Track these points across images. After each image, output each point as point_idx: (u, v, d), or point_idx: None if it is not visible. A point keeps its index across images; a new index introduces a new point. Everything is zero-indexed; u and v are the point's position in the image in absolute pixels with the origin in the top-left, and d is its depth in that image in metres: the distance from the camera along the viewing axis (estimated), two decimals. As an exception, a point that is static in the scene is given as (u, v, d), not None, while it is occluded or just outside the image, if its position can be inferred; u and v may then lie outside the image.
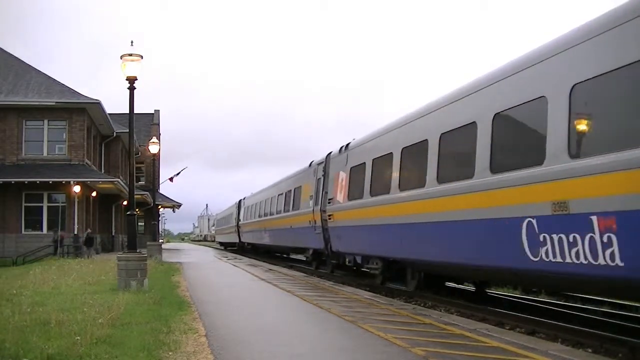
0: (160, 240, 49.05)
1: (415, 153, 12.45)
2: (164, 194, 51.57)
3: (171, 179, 50.21)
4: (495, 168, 9.30)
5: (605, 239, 6.94)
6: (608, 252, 6.90)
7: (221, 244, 63.82)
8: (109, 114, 35.53)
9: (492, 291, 15.42)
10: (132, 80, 13.91)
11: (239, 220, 42.28)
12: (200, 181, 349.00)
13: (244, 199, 41.20)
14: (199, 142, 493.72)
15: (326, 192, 18.52)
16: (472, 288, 14.44)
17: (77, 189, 30.52)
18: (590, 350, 7.88)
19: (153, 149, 29.47)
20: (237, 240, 43.71)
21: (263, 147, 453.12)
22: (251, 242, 38.43)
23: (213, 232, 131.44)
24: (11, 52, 37.20)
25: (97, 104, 33.15)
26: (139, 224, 45.36)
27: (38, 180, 29.89)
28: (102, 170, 38.53)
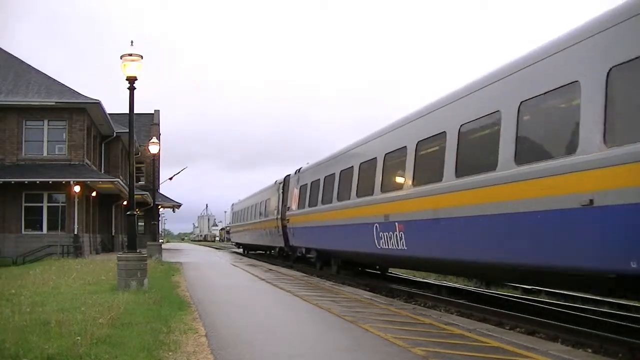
0: (160, 240, 49.05)
1: None
2: (164, 194, 51.57)
3: (171, 179, 50.26)
4: None
5: None
6: None
7: (240, 245, 46.72)
8: (109, 114, 35.54)
9: (492, 291, 15.41)
10: (132, 80, 13.95)
11: (285, 208, 26.16)
12: (203, 181, 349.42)
13: (299, 171, 24.29)
14: (207, 142, 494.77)
15: None
16: None
17: (77, 189, 30.52)
18: (590, 350, 7.89)
19: (153, 149, 29.44)
20: (282, 244, 27.03)
21: (271, 148, 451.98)
22: (332, 250, 19.26)
23: (214, 231, 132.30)
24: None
25: (97, 104, 33.14)
26: (139, 224, 45.36)
27: (38, 180, 29.87)
28: (102, 170, 38.52)
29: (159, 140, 39.97)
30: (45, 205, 32.00)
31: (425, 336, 7.58)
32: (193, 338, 7.46)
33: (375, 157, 14.73)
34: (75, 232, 31.09)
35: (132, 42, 13.91)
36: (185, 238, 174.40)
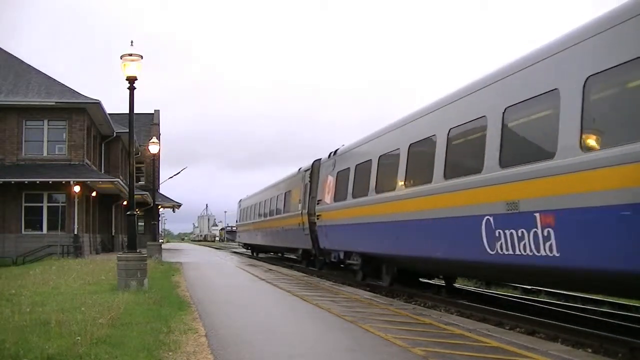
0: (160, 240, 49.04)
1: None
2: (164, 194, 51.60)
3: (171, 178, 50.30)
4: None
5: None
6: None
7: (249, 246, 41.86)
8: (109, 114, 35.57)
9: (492, 291, 15.42)
10: (132, 80, 13.98)
11: (313, 201, 21.10)
12: (203, 181, 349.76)
13: (335, 154, 19.24)
14: (207, 142, 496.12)
15: None
16: None
17: (77, 189, 30.53)
18: (590, 350, 7.89)
19: (153, 149, 29.44)
20: (308, 246, 21.96)
21: (272, 148, 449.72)
22: (389, 255, 14.73)
23: (214, 231, 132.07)
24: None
25: (97, 104, 33.15)
26: (139, 224, 45.35)
27: (38, 180, 29.88)
28: (102, 170, 38.53)
29: (159, 140, 39.98)
30: (45, 205, 32.00)
31: (425, 336, 7.58)
32: (193, 338, 7.46)
33: (484, 116, 10.11)
34: (75, 232, 31.08)
35: (132, 42, 13.95)
36: (185, 238, 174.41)
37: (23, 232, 31.33)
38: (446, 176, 11.19)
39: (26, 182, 29.98)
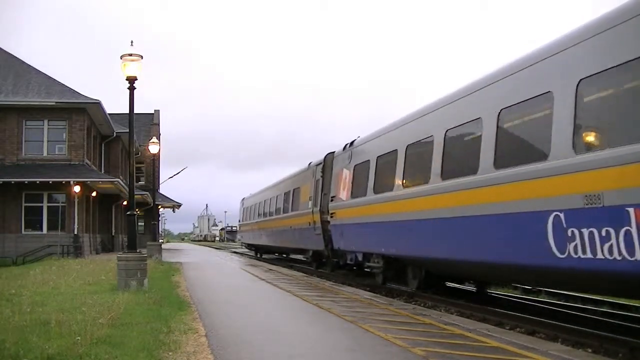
0: (160, 241, 49.03)
1: None
2: (164, 194, 51.60)
3: (171, 177, 50.30)
4: None
5: None
6: None
7: (252, 247, 40.10)
8: (109, 114, 35.58)
9: (492, 291, 15.42)
10: (132, 80, 13.99)
11: (326, 198, 19.72)
12: (203, 181, 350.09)
13: (351, 145, 17.67)
14: (207, 142, 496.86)
15: None
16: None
17: (77, 189, 30.53)
18: (590, 350, 7.90)
19: (153, 149, 29.43)
20: (320, 247, 20.43)
21: (272, 149, 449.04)
22: (418, 257, 13.27)
23: (214, 231, 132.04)
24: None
25: (97, 104, 33.16)
26: (139, 224, 45.34)
27: (38, 180, 29.90)
28: (102, 170, 38.54)
29: (159, 140, 39.96)
30: (45, 205, 32.01)
31: (425, 336, 7.58)
32: (193, 338, 7.46)
33: (549, 92, 8.56)
34: (75, 232, 31.09)
35: (132, 42, 13.95)
36: (185, 238, 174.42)
37: (23, 232, 31.34)
38: (497, 165, 9.61)
39: (26, 182, 29.98)
